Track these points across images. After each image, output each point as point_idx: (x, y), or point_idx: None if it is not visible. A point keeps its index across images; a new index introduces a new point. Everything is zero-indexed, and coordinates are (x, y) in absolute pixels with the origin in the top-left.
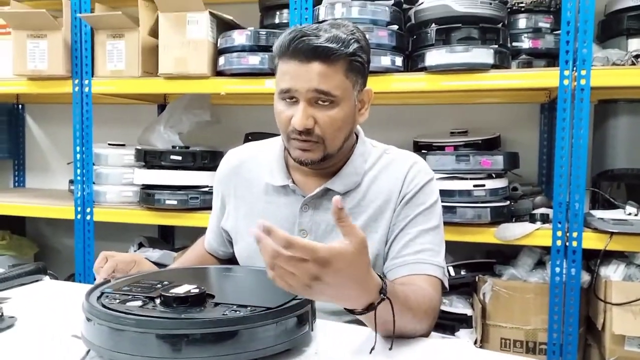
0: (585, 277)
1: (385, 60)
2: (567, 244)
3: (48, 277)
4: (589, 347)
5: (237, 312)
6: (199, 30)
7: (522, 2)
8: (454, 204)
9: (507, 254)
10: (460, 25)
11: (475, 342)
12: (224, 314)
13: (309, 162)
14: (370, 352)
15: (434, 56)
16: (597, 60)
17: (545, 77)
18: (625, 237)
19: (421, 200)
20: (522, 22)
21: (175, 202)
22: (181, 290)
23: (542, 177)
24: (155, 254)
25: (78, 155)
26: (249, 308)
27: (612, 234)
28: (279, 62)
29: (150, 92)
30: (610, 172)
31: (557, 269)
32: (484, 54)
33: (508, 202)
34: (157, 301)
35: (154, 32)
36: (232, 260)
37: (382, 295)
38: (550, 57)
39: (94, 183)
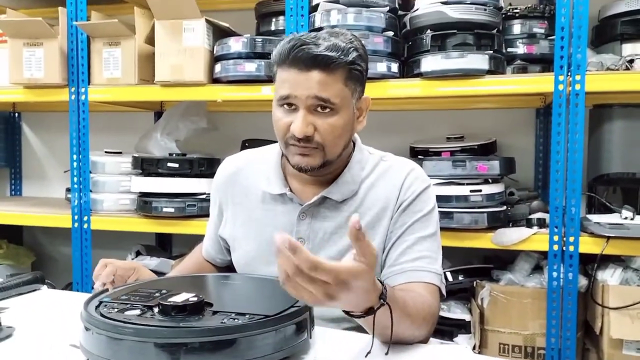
0: (583, 281)
1: (381, 67)
2: (564, 248)
3: (46, 287)
4: (587, 351)
5: (236, 320)
6: (195, 38)
7: (516, 8)
8: (451, 209)
9: (504, 259)
10: (455, 31)
11: (474, 348)
12: (222, 322)
13: (308, 169)
14: (366, 356)
15: (430, 62)
16: (591, 65)
17: (540, 83)
18: (622, 241)
19: (418, 208)
20: (516, 27)
21: (172, 210)
22: (179, 298)
23: (538, 181)
24: (153, 261)
25: (75, 164)
26: (247, 316)
27: (608, 238)
28: (277, 69)
29: (146, 99)
30: (606, 176)
31: (555, 274)
32: (479, 60)
33: (505, 207)
34: (156, 310)
35: (150, 40)
36: (230, 267)
37: (381, 300)
38: (545, 63)
39: (91, 191)
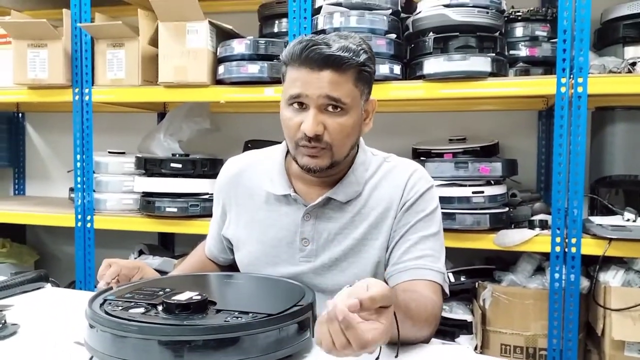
0: (585, 282)
1: (384, 69)
2: (566, 250)
3: (50, 285)
4: (588, 352)
5: (239, 318)
6: (199, 40)
7: (518, 11)
8: (453, 210)
9: (506, 260)
10: (457, 34)
11: (476, 348)
12: (225, 321)
13: (317, 170)
14: (396, 356)
15: (432, 64)
16: (593, 68)
17: (542, 85)
18: (624, 243)
19: (421, 207)
20: (519, 30)
21: (175, 210)
22: (183, 297)
23: (541, 183)
24: (156, 261)
25: (78, 164)
26: (250, 314)
27: (610, 240)
28: (288, 69)
29: (150, 100)
30: (608, 178)
31: (557, 275)
32: (482, 62)
33: (507, 209)
34: (160, 308)
35: (154, 42)
36: (232, 266)
37: None
38: (547, 65)
39: (94, 191)
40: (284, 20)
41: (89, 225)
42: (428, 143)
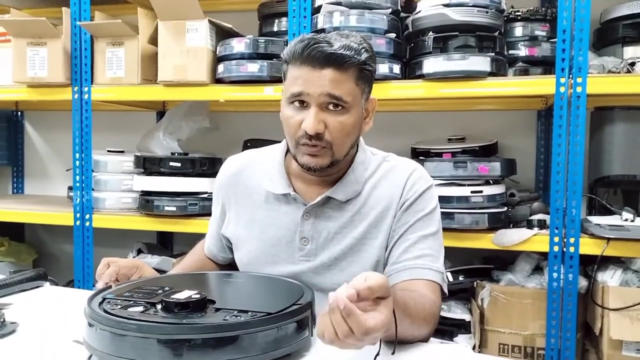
0: (583, 282)
1: (383, 68)
2: (565, 249)
3: (49, 283)
4: (586, 352)
5: (238, 317)
6: (198, 38)
7: (518, 11)
8: (452, 210)
9: (504, 260)
10: (457, 33)
11: (474, 348)
12: (224, 319)
13: (317, 168)
14: (375, 358)
15: (432, 64)
16: (593, 67)
17: (541, 85)
18: (622, 243)
19: (420, 207)
20: (518, 30)
21: (174, 209)
22: (182, 295)
23: (539, 183)
24: (154, 260)
25: (77, 162)
26: (249, 313)
27: (609, 239)
28: (289, 67)
29: (149, 99)
30: (607, 178)
31: (555, 275)
32: (481, 62)
33: (505, 208)
34: (159, 307)
35: (154, 40)
36: (231, 265)
37: None
38: (546, 65)
39: (93, 189)
40: (284, 19)
41: (87, 224)
42: (427, 142)
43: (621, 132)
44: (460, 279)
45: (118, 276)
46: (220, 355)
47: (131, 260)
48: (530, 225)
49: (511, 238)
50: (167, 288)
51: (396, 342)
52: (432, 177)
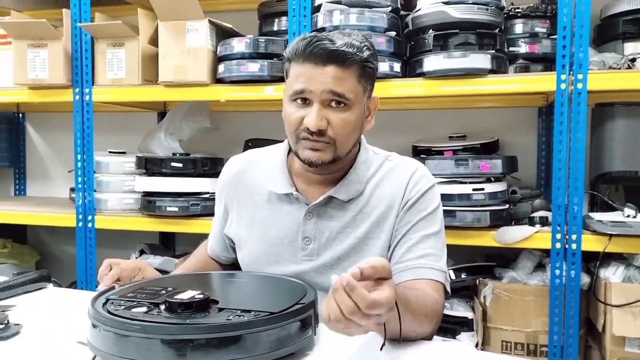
0: (585, 279)
1: (384, 67)
2: (567, 246)
3: (52, 285)
4: (589, 348)
5: (241, 317)
6: (199, 39)
7: (518, 8)
8: (454, 207)
9: (507, 257)
10: (457, 31)
11: (477, 345)
12: (228, 319)
13: (319, 163)
14: (381, 349)
15: (432, 62)
16: (593, 64)
17: (542, 82)
18: (624, 239)
19: (423, 206)
20: (518, 27)
21: (176, 209)
22: (185, 296)
23: (541, 180)
24: (157, 260)
25: (79, 164)
26: (252, 313)
27: (611, 236)
28: (291, 65)
29: (150, 100)
30: (608, 174)
31: (557, 272)
32: (482, 59)
33: (507, 206)
34: (162, 307)
35: (154, 41)
36: (234, 265)
37: None
38: (547, 62)
39: (95, 191)
40: (284, 18)
41: (90, 225)
42: (428, 141)
43: (622, 128)
44: (463, 276)
45: (120, 279)
46: (223, 355)
47: (133, 261)
48: (532, 222)
49: (513, 235)
50: (170, 288)
51: (401, 333)
52: (434, 175)
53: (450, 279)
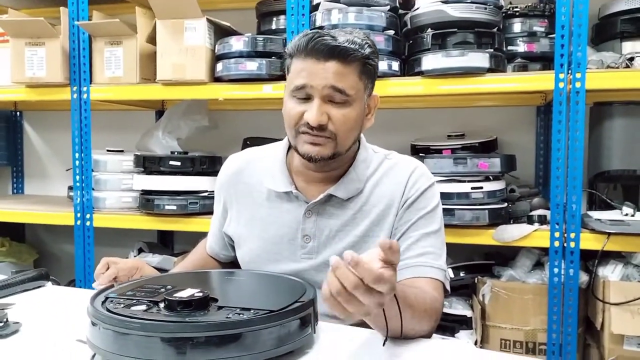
0: (584, 277)
1: (382, 65)
2: (565, 244)
3: (50, 283)
4: (588, 347)
5: (241, 315)
6: (197, 37)
7: (516, 7)
8: (452, 206)
9: (505, 256)
10: (455, 30)
11: (475, 343)
12: (227, 317)
13: (318, 159)
14: (384, 345)
15: (430, 60)
16: (591, 63)
17: (540, 81)
18: (623, 238)
19: (422, 205)
20: (517, 26)
21: (174, 208)
22: (185, 294)
23: (539, 179)
24: (155, 259)
25: (77, 162)
26: (252, 311)
27: (609, 234)
28: (293, 61)
29: (148, 98)
30: (607, 173)
31: (556, 270)
32: (480, 58)
33: (506, 204)
34: (161, 305)
35: (152, 39)
36: (233, 263)
37: None
38: (545, 61)
39: (93, 189)
40: (282, 17)
41: (88, 223)
42: (427, 139)
43: (620, 127)
44: (461, 275)
45: (118, 278)
46: (223, 353)
47: (131, 260)
48: (530, 220)
49: (512, 234)
50: (169, 287)
51: (402, 333)
52: (432, 173)
53: (449, 277)
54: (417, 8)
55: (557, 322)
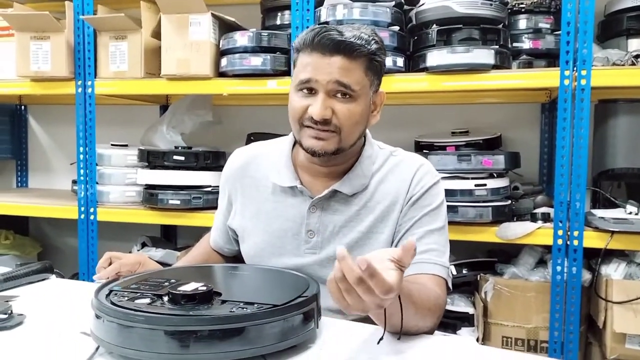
0: (586, 275)
1: (387, 61)
2: (568, 242)
3: (54, 276)
4: (590, 345)
5: (244, 309)
6: (201, 32)
7: (522, 3)
8: (456, 203)
9: (508, 253)
10: (461, 26)
11: (477, 341)
12: (231, 311)
13: (321, 153)
14: (379, 343)
15: (435, 57)
16: (597, 60)
17: (545, 77)
18: (626, 236)
19: (427, 202)
20: (522, 22)
21: (178, 202)
22: (189, 287)
23: (543, 176)
24: (158, 253)
25: (81, 156)
26: (255, 305)
27: (612, 232)
28: (299, 55)
29: (152, 93)
30: (611, 171)
31: (558, 268)
32: (485, 55)
33: (509, 202)
34: (165, 299)
35: (157, 34)
36: (237, 257)
37: None
38: (550, 58)
39: (97, 183)
40: (287, 12)
41: (92, 217)
42: (431, 136)
43: (625, 125)
44: (464, 272)
45: (120, 274)
46: (226, 347)
47: (134, 255)
48: (534, 218)
49: (515, 231)
50: (173, 280)
51: (401, 330)
52: (436, 170)
53: (452, 274)
54: (423, 4)
55: (559, 320)
